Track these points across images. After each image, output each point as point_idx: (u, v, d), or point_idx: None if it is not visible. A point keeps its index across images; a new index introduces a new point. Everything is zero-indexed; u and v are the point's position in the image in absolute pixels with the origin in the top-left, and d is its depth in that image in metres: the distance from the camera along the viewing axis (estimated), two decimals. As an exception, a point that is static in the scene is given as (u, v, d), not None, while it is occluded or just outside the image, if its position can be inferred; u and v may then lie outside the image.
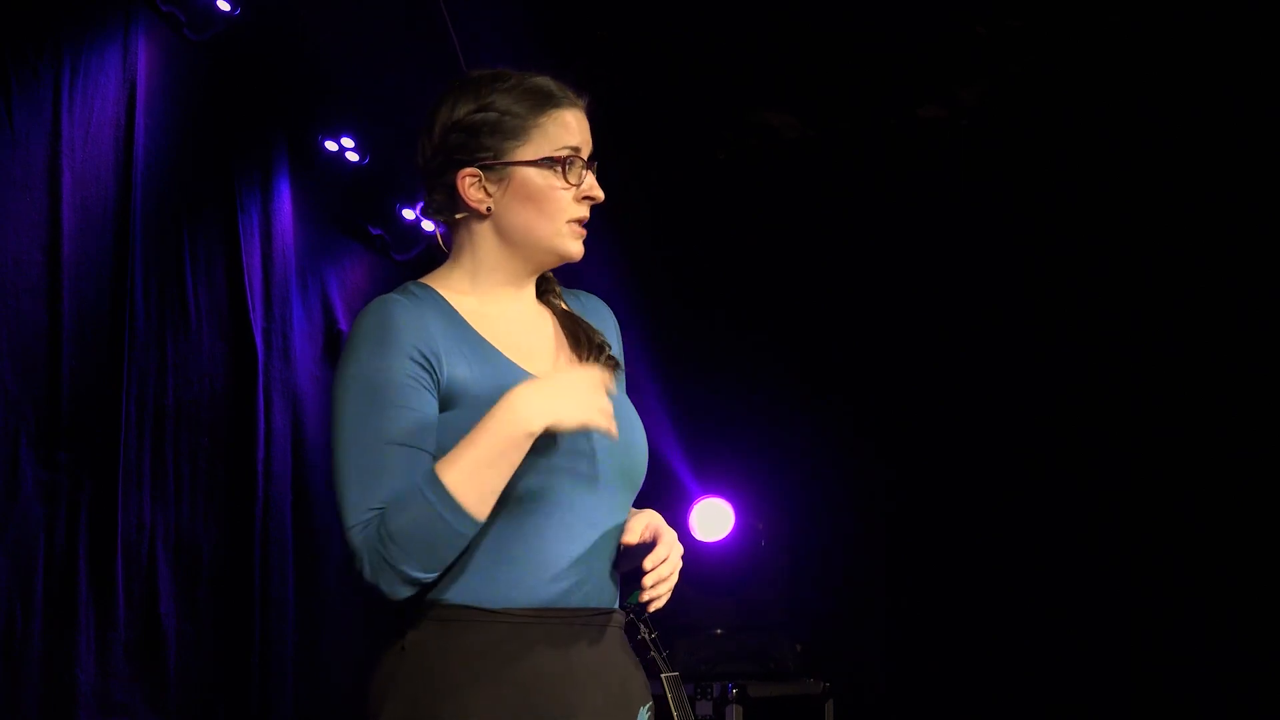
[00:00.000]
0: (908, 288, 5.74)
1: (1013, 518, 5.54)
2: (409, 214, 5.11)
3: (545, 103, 2.08)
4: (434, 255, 6.12)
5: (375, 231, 5.11)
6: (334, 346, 4.88)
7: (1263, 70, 4.73)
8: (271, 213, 4.60)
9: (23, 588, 3.58)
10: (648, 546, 2.10)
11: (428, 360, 1.98)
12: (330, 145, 4.82)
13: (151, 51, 4.12)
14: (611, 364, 2.13)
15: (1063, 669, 5.42)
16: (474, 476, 1.92)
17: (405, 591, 1.93)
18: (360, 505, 1.94)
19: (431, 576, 1.94)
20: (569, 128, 2.08)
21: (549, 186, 2.07)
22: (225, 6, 4.22)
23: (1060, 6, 4.77)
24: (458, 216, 2.12)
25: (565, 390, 1.95)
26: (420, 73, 4.91)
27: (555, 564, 2.01)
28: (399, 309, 2.01)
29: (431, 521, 1.91)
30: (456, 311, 2.06)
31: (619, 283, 5.24)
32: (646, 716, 2.10)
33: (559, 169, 2.07)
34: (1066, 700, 5.39)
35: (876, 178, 5.50)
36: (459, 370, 2.00)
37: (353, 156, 4.85)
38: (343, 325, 4.93)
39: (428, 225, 5.18)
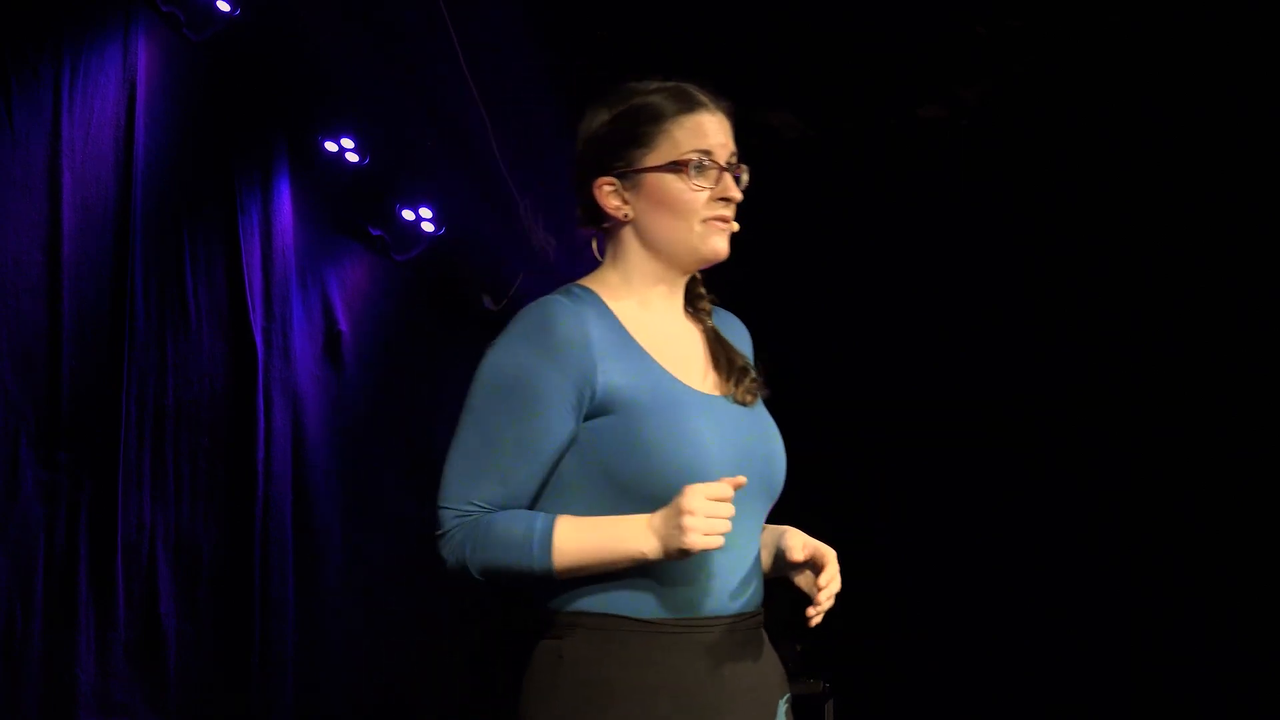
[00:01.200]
0: (908, 287, 5.74)
1: (1013, 518, 5.54)
2: (409, 214, 5.11)
3: (674, 109, 2.14)
4: (434, 255, 6.11)
5: (375, 231, 5.11)
6: (334, 346, 4.88)
7: (1263, 70, 4.73)
8: (271, 213, 4.59)
9: (23, 588, 3.58)
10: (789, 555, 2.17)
11: (581, 373, 2.04)
12: (330, 145, 4.82)
13: (151, 51, 4.12)
14: (755, 388, 2.20)
15: (1063, 669, 5.42)
16: (579, 556, 2.01)
17: (455, 572, 2.03)
18: (464, 493, 2.03)
19: (480, 581, 2.04)
20: (697, 131, 2.14)
21: (679, 189, 2.13)
22: (225, 6, 4.22)
23: (1060, 6, 4.77)
24: (605, 225, 2.18)
25: (685, 528, 1.96)
26: (420, 73, 4.90)
27: (703, 574, 2.07)
28: (563, 311, 2.07)
29: (521, 554, 2.00)
30: (615, 317, 2.12)
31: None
32: (785, 708, 2.16)
33: (686, 172, 2.12)
34: (1066, 700, 5.39)
35: (876, 178, 5.50)
36: (615, 377, 2.06)
37: (353, 157, 4.85)
38: (343, 325, 4.92)
39: (428, 226, 5.18)
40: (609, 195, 2.15)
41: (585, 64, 5.00)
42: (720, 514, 1.97)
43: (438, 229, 5.19)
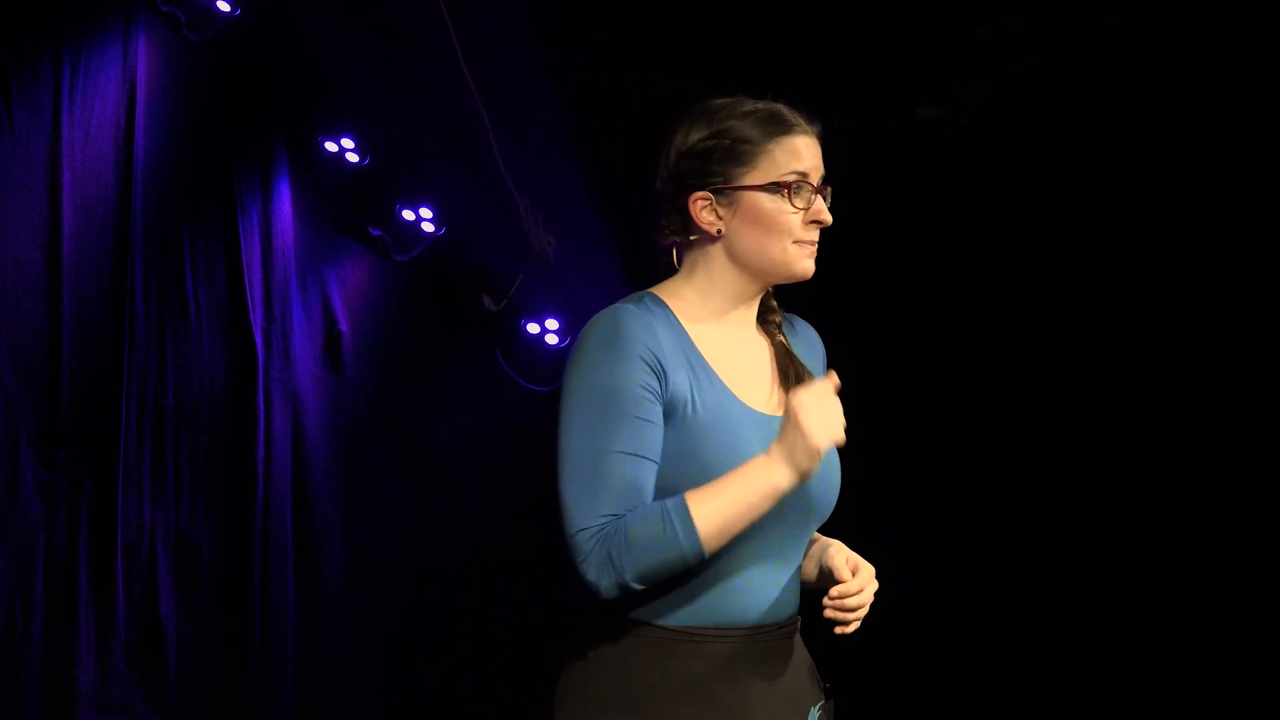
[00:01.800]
0: (907, 288, 5.74)
1: (1013, 517, 5.54)
2: (409, 214, 5.11)
3: (774, 130, 2.18)
4: (434, 255, 6.07)
5: (375, 232, 5.10)
6: (334, 346, 4.88)
7: (1264, 69, 4.73)
8: (271, 213, 4.59)
9: (23, 588, 3.58)
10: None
11: (657, 369, 2.07)
12: (330, 145, 4.82)
13: (151, 51, 4.12)
14: None
15: (1063, 669, 5.42)
16: (721, 518, 2.02)
17: (616, 595, 2.02)
18: (593, 510, 2.02)
19: (642, 589, 2.03)
20: (796, 154, 2.18)
21: (776, 210, 2.16)
22: (225, 6, 4.22)
23: (1061, 6, 4.76)
24: (691, 238, 2.21)
25: (811, 444, 2.01)
26: (420, 73, 4.90)
27: (738, 587, 2.11)
28: (631, 317, 2.10)
29: (669, 544, 2.00)
30: (684, 328, 2.16)
31: (624, 284, 5.24)
32: (817, 715, 2.19)
33: (785, 193, 2.16)
34: (1066, 700, 5.39)
35: (876, 178, 5.49)
36: (680, 388, 2.09)
37: (353, 157, 4.85)
38: (343, 325, 4.92)
39: (428, 226, 5.18)
40: (704, 210, 2.18)
41: (585, 64, 5.00)
42: (833, 408, 2.03)
43: (438, 229, 5.18)
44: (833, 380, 2.05)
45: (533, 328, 5.61)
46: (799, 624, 2.23)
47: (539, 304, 5.57)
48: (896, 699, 5.70)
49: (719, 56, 4.90)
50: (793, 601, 2.20)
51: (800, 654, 2.23)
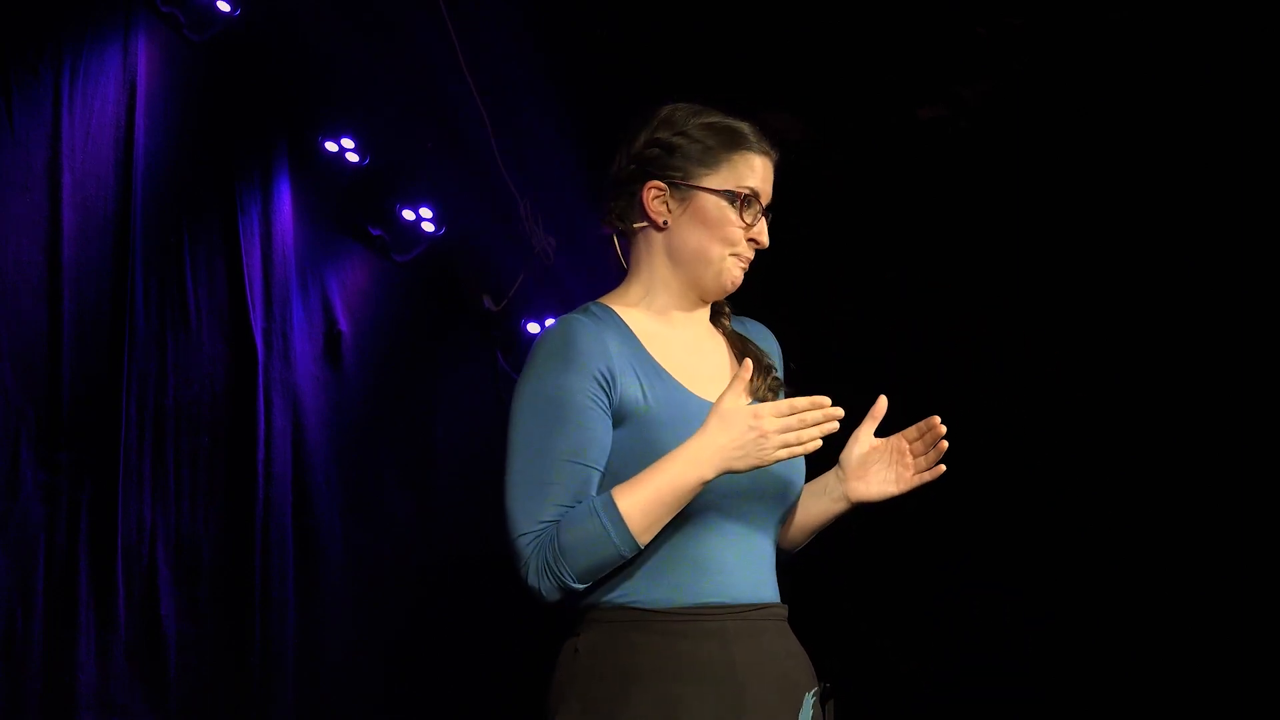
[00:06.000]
0: (907, 288, 5.74)
1: (1011, 517, 5.54)
2: (409, 214, 5.11)
3: (739, 143, 2.25)
4: (434, 255, 6.08)
5: (375, 232, 5.10)
6: (334, 346, 4.88)
7: (1265, 67, 4.72)
8: (271, 213, 4.59)
9: (23, 588, 3.58)
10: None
11: (605, 380, 2.12)
12: (330, 145, 4.82)
13: (151, 52, 4.12)
14: (776, 386, 2.30)
15: (1062, 669, 5.42)
16: (646, 509, 2.06)
17: (558, 597, 2.08)
18: (532, 515, 2.08)
19: (583, 588, 2.08)
20: (754, 171, 2.25)
21: (723, 218, 2.23)
22: (225, 7, 4.22)
23: (1061, 5, 4.76)
24: (635, 225, 2.27)
25: (738, 443, 2.05)
26: (420, 73, 4.90)
27: (713, 565, 2.15)
28: (581, 328, 2.16)
29: (600, 542, 2.05)
30: (632, 332, 2.21)
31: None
32: (812, 702, 2.20)
33: (737, 204, 2.23)
34: (1066, 700, 5.39)
35: (877, 178, 5.49)
36: (631, 391, 2.14)
37: (353, 157, 4.85)
38: (343, 325, 4.92)
39: (428, 226, 5.18)
40: (655, 199, 2.24)
41: (585, 64, 5.00)
42: (797, 426, 2.06)
43: (438, 229, 5.18)
44: (819, 403, 2.09)
45: (533, 328, 5.61)
46: (787, 612, 2.25)
47: (539, 304, 5.57)
48: (897, 697, 5.70)
49: (719, 56, 4.90)
50: (772, 586, 2.24)
51: (792, 642, 2.25)
